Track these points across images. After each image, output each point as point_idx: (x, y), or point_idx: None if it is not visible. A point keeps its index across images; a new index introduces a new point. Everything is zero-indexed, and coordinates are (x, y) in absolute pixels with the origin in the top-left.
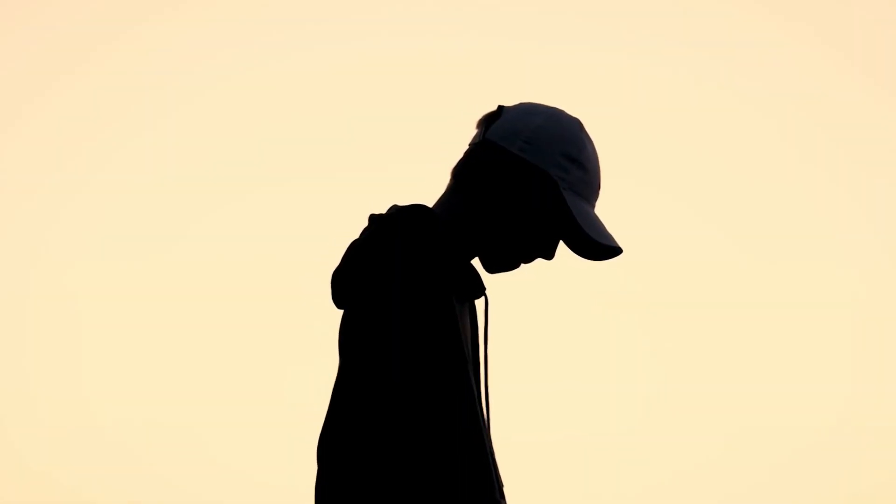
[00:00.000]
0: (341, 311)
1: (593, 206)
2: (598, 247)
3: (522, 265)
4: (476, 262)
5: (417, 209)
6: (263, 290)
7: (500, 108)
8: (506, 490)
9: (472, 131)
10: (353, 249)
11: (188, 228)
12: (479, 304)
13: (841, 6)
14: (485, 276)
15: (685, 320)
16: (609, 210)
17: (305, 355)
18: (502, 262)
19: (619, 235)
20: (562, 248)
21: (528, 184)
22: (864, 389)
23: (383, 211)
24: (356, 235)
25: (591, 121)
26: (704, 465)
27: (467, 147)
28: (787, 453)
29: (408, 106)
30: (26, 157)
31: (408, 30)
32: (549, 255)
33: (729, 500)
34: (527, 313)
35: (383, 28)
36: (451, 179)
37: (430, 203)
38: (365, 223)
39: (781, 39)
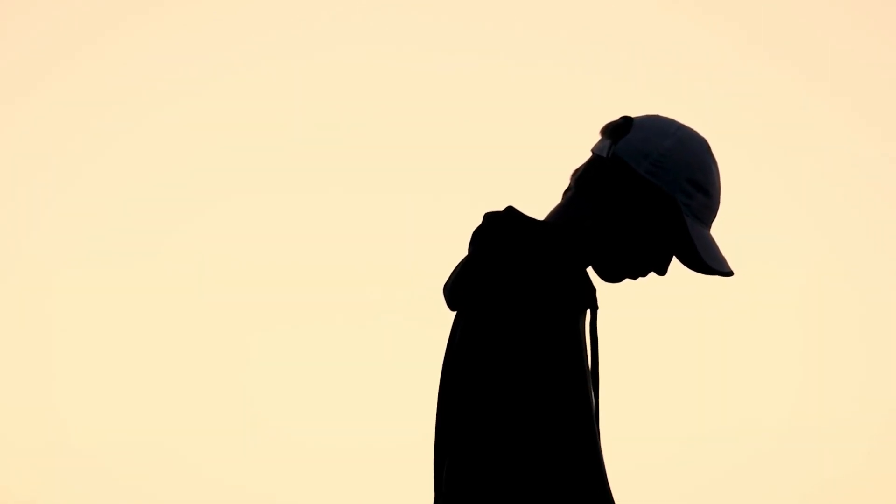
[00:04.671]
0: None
1: (710, 228)
2: (710, 269)
3: (639, 278)
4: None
5: (535, 220)
6: (236, 299)
7: (628, 120)
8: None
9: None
10: (472, 256)
11: (163, 242)
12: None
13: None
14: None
15: (641, 322)
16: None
17: (277, 364)
18: (617, 274)
19: None
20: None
21: (652, 207)
22: (812, 389)
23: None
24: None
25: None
26: (665, 465)
27: (590, 154)
28: (739, 455)
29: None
30: (3, 159)
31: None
32: (662, 271)
33: (685, 500)
34: None
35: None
36: (572, 184)
37: (548, 204)
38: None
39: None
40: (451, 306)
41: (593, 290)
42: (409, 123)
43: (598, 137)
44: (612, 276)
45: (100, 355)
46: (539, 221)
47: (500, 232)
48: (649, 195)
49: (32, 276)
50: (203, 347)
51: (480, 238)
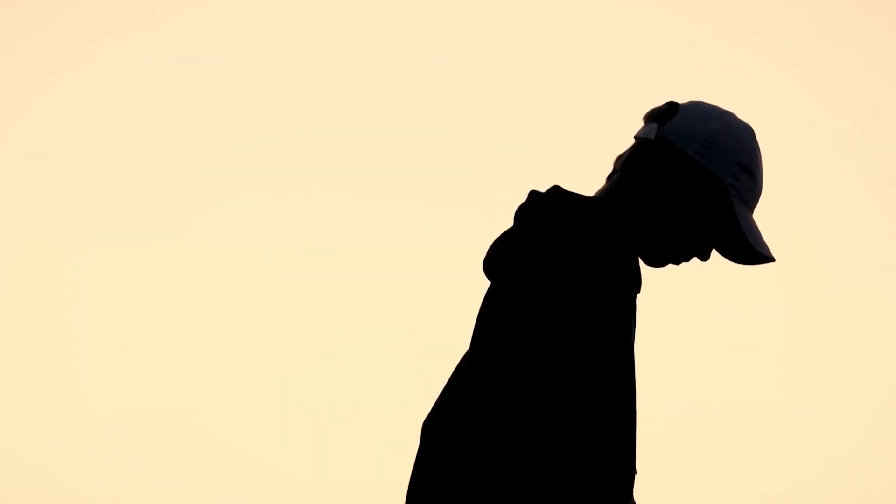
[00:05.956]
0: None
1: (752, 212)
2: (754, 254)
3: (681, 264)
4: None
5: (585, 198)
6: (254, 284)
7: (674, 105)
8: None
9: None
10: (519, 231)
11: (186, 222)
12: None
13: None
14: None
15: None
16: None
17: (299, 348)
18: (662, 258)
19: None
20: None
21: (701, 188)
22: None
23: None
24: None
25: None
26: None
27: (634, 140)
28: (726, 440)
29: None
30: (18, 150)
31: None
32: (705, 256)
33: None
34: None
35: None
36: (617, 168)
37: (587, 190)
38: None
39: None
40: (492, 279)
41: (639, 272)
42: (410, 125)
43: (640, 125)
44: (656, 260)
45: (120, 332)
46: (588, 197)
47: (549, 208)
48: (697, 176)
49: (57, 255)
50: (220, 323)
51: (527, 213)
